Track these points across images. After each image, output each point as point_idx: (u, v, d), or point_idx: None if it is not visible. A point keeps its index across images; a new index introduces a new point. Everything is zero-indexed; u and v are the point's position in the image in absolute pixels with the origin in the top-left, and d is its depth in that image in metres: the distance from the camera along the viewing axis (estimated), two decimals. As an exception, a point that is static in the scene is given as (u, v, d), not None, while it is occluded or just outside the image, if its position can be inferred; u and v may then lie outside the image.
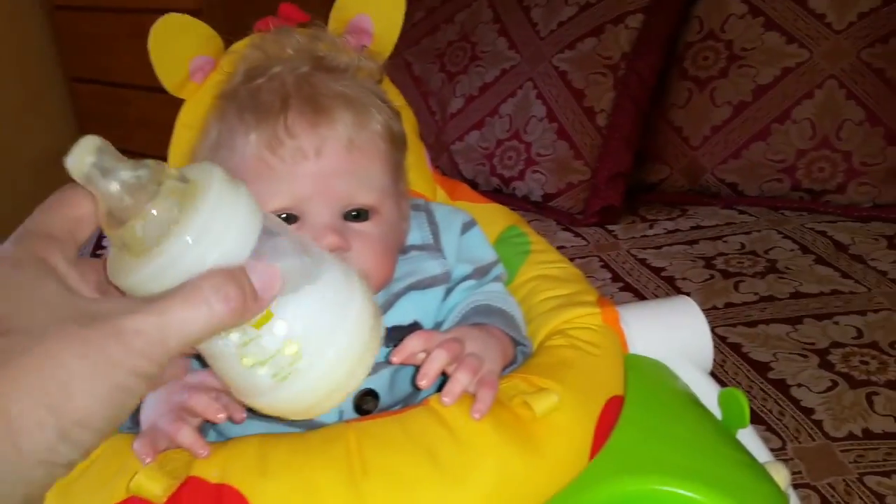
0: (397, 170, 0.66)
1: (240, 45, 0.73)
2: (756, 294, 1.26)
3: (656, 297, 1.28)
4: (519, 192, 1.67)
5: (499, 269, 0.72)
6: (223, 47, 0.77)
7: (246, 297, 0.35)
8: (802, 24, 1.56)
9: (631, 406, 0.58)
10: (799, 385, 1.03)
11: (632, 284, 1.33)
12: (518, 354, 0.64)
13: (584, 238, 1.52)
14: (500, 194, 1.69)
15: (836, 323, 1.15)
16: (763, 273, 1.32)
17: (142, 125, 1.95)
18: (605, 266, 1.40)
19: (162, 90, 0.76)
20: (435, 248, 0.70)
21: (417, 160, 0.82)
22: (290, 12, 0.76)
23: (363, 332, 0.42)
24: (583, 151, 1.59)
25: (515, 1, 1.76)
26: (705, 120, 1.61)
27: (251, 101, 0.61)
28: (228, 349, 0.39)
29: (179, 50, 0.75)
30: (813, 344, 1.11)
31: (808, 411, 0.98)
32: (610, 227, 1.55)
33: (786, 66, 1.55)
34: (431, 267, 0.68)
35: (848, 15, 1.53)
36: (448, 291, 0.69)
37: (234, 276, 0.35)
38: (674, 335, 0.68)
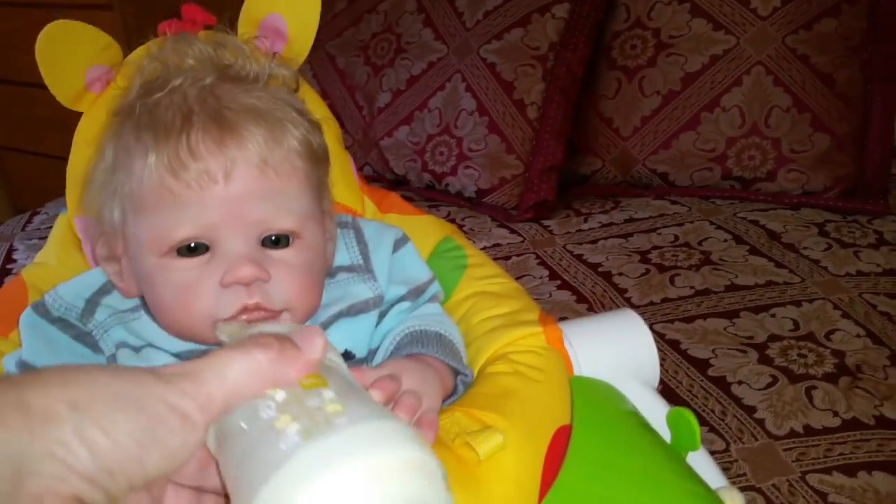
0: (319, 188, 0.60)
1: (136, 56, 0.66)
2: (692, 288, 1.25)
3: (594, 294, 1.26)
4: (452, 189, 1.62)
5: (434, 289, 0.67)
6: (122, 56, 0.69)
7: (284, 345, 0.37)
8: (728, 9, 1.56)
9: (579, 436, 0.55)
10: (739, 382, 1.02)
11: (569, 282, 1.30)
12: (458, 384, 0.60)
13: (519, 234, 1.49)
14: (432, 190, 1.64)
15: (773, 315, 1.15)
16: (698, 265, 1.31)
17: (53, 126, 1.84)
18: (542, 263, 1.37)
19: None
20: (365, 269, 0.65)
21: (343, 171, 0.77)
22: (194, 14, 0.69)
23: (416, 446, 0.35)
24: (515, 145, 1.56)
25: (439, -11, 1.70)
26: (635, 110, 1.60)
27: (149, 119, 0.54)
28: (267, 412, 0.36)
29: (73, 59, 0.67)
30: (751, 338, 1.10)
31: (749, 409, 0.97)
32: (545, 223, 1.52)
33: (713, 53, 1.55)
34: (362, 291, 0.63)
35: (772, 0, 1.53)
36: (381, 316, 0.64)
37: (276, 334, 0.38)
38: (619, 352, 0.65)
